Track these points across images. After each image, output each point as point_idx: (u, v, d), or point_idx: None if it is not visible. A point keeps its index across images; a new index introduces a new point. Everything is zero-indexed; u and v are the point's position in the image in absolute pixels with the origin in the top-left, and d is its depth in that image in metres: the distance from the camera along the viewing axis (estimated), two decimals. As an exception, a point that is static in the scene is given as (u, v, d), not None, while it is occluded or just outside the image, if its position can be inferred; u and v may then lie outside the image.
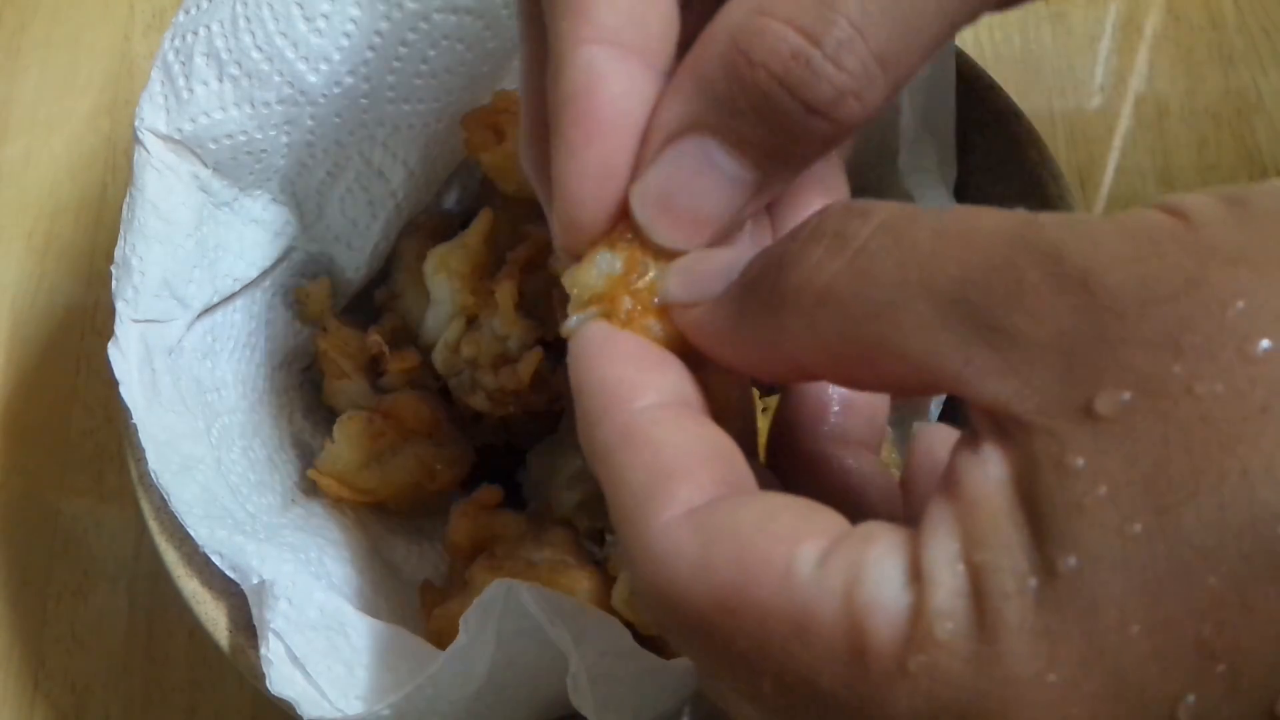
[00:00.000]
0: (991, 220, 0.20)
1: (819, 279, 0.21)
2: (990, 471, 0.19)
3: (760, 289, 0.23)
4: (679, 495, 0.22)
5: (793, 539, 0.20)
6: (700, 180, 0.25)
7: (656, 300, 0.25)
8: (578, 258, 0.26)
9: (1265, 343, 0.18)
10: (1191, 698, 0.18)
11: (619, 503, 0.22)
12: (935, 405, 0.43)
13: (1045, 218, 0.20)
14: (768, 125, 0.24)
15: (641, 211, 0.25)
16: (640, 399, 0.23)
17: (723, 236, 0.25)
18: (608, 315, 0.25)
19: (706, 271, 0.25)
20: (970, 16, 0.25)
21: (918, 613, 0.19)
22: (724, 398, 0.26)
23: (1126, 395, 0.18)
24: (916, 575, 0.19)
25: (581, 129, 0.25)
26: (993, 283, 0.19)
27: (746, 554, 0.20)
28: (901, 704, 0.19)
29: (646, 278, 0.25)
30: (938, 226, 0.20)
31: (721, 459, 0.23)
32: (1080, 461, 0.18)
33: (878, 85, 0.23)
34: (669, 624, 0.22)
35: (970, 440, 0.20)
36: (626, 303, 0.25)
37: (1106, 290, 0.18)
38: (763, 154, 0.24)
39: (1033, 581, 0.18)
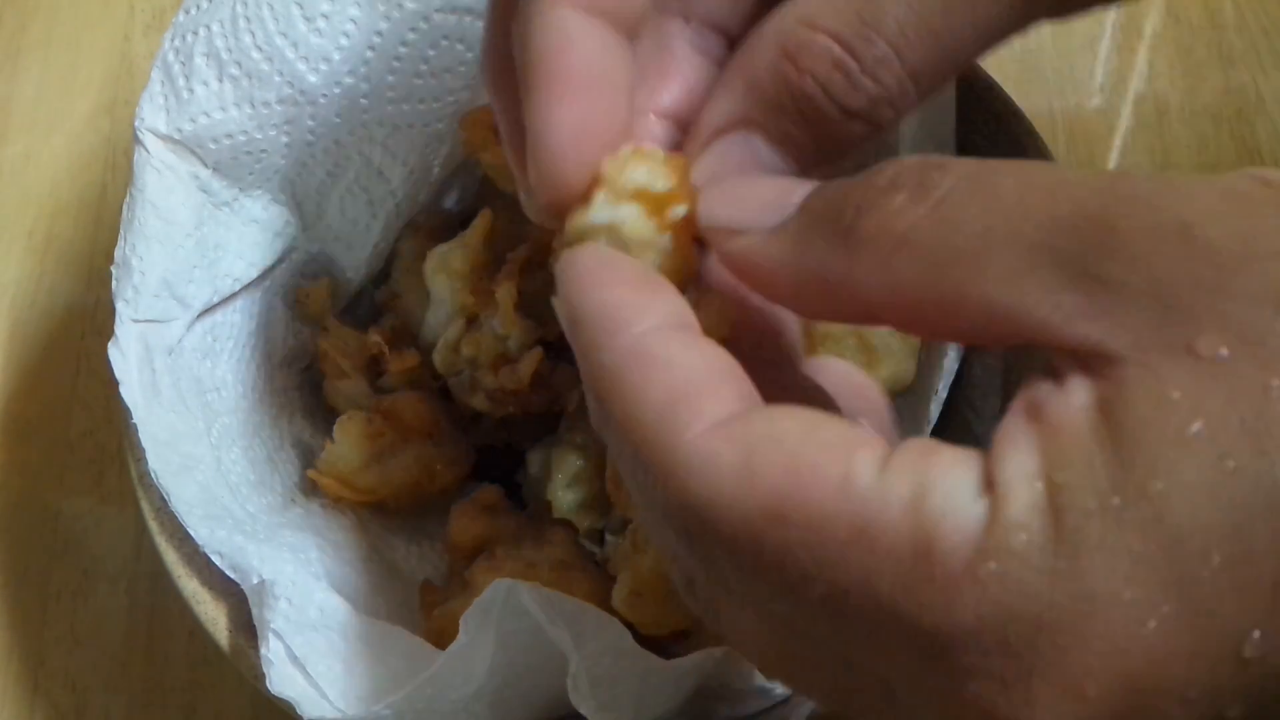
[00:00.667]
0: (1079, 174, 0.20)
1: (900, 223, 0.21)
2: (1076, 399, 0.19)
3: (829, 228, 0.22)
4: (705, 410, 0.21)
5: (847, 447, 0.20)
6: (744, 172, 0.25)
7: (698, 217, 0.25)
8: (554, 217, 0.26)
9: None
10: (1257, 633, 0.18)
11: (637, 422, 0.22)
12: (935, 406, 0.43)
13: (1136, 174, 0.20)
14: (809, 124, 0.25)
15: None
16: (643, 321, 0.23)
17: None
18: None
19: (754, 198, 0.24)
20: (1002, 37, 0.25)
21: (992, 521, 0.19)
22: (713, 330, 0.25)
23: (1228, 341, 0.18)
24: (990, 487, 0.19)
25: (556, 87, 0.25)
26: (1084, 230, 0.19)
27: (798, 461, 0.20)
28: (968, 611, 0.19)
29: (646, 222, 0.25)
30: (1022, 178, 0.21)
31: (735, 376, 0.23)
32: (1178, 394, 0.18)
33: (909, 95, 0.25)
34: (705, 537, 0.21)
35: (1052, 374, 0.20)
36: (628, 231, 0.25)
37: (1206, 242, 0.19)
38: (803, 150, 0.25)
39: (1116, 501, 0.18)
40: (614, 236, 0.25)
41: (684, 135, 0.28)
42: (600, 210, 0.25)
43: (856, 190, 0.22)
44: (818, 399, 0.27)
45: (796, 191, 0.24)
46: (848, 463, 0.20)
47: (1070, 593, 0.18)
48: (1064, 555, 0.18)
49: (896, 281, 0.21)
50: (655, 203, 0.25)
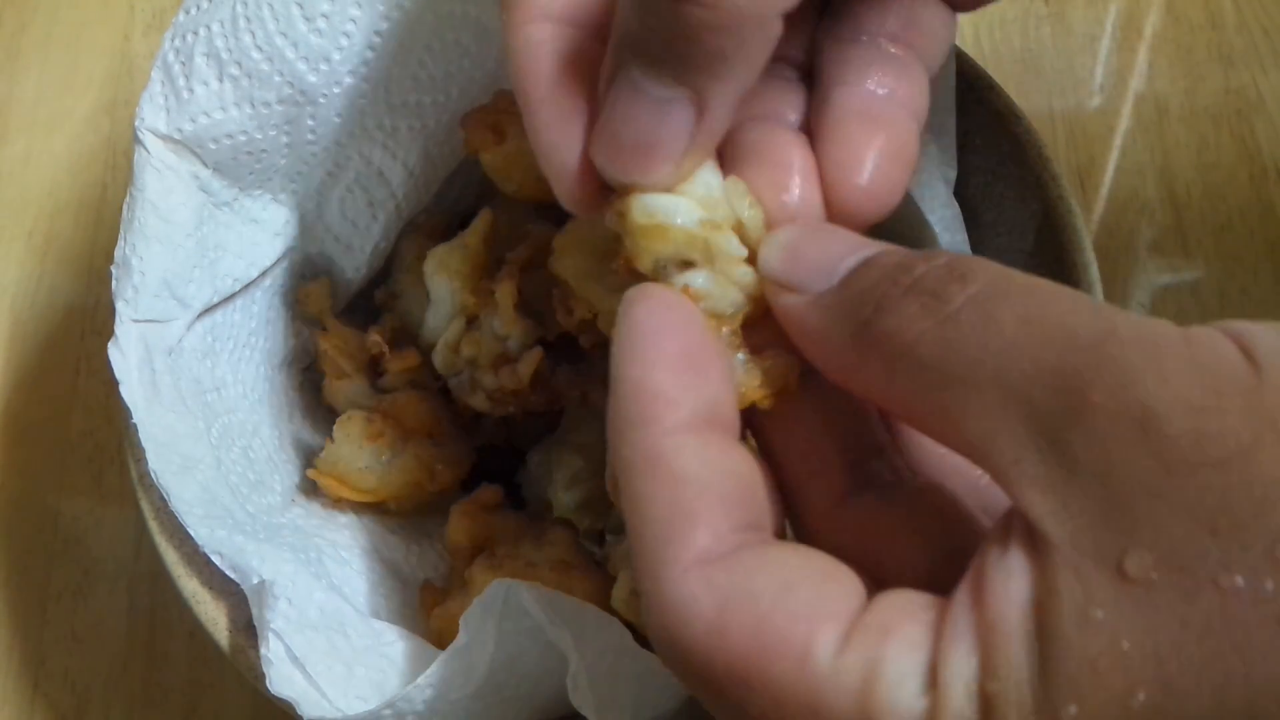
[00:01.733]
0: (1078, 319, 0.20)
1: (907, 333, 0.22)
2: (1014, 589, 0.20)
3: (855, 314, 0.23)
4: (696, 541, 0.22)
5: (811, 619, 0.21)
6: (635, 109, 0.25)
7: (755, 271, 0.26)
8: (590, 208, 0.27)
9: None
10: None
11: (638, 535, 0.23)
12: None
13: (1128, 330, 0.20)
14: (661, 32, 0.25)
15: (597, 157, 0.26)
16: (670, 417, 0.23)
17: (686, 162, 0.26)
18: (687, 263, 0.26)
19: (810, 257, 0.25)
20: None
21: None
22: (774, 377, 0.26)
23: (1156, 561, 0.19)
24: (933, 683, 0.20)
25: (540, 111, 0.26)
26: (1060, 391, 0.20)
27: (763, 627, 0.21)
28: None
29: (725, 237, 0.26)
30: (1025, 313, 0.21)
31: (742, 495, 0.23)
32: (1101, 614, 0.19)
33: None
34: (679, 670, 0.22)
35: (1002, 537, 0.21)
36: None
37: (1162, 439, 0.19)
38: (673, 66, 0.25)
39: None
40: (702, 251, 0.26)
41: None
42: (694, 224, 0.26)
43: (884, 283, 0.23)
44: (927, 497, 0.27)
45: (849, 257, 0.24)
46: (809, 637, 0.21)
47: None
48: None
49: (895, 385, 0.22)
50: (745, 234, 0.26)
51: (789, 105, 0.29)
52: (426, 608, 0.41)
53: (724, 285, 0.26)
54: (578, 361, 0.43)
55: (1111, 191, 0.57)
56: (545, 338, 0.43)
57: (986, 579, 0.20)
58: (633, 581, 0.37)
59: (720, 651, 0.21)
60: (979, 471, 0.27)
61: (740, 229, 0.26)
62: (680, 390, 0.24)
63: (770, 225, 0.27)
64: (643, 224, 0.26)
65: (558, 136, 0.27)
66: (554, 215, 0.44)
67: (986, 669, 0.20)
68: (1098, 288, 0.41)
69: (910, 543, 0.25)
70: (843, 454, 0.27)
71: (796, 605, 0.21)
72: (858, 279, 0.24)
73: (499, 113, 0.42)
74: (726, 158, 0.28)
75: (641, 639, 0.36)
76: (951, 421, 0.21)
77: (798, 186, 0.27)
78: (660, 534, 0.22)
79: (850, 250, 0.24)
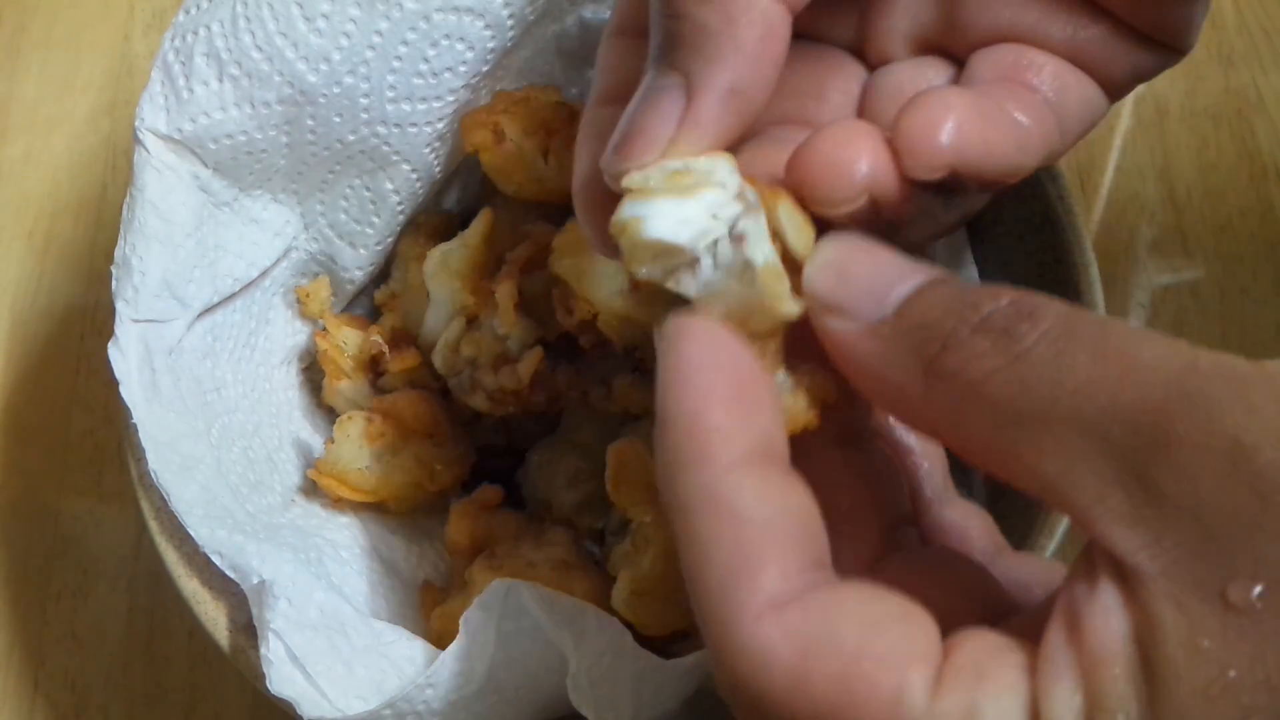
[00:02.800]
0: (1154, 354, 0.20)
1: (976, 371, 0.22)
2: (1113, 624, 0.20)
3: (916, 350, 0.23)
4: (766, 584, 0.22)
5: (900, 663, 0.21)
6: (634, 100, 0.26)
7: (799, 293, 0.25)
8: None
9: None
10: None
11: (699, 578, 0.22)
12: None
13: (1208, 364, 0.20)
14: (660, 16, 0.25)
15: (600, 155, 0.26)
16: (726, 453, 0.23)
17: (672, 151, 0.25)
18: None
19: (859, 281, 0.24)
20: None
21: None
22: (812, 398, 0.26)
23: (1259, 588, 0.19)
24: None
25: (585, 119, 0.29)
26: (1142, 427, 0.20)
27: (850, 673, 0.20)
28: None
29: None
30: (1099, 350, 0.21)
31: (804, 532, 0.23)
32: (1208, 643, 0.19)
33: None
34: (756, 712, 0.22)
35: (1087, 573, 0.20)
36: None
37: (1254, 470, 0.19)
38: (667, 51, 0.25)
39: None
40: (744, 271, 0.25)
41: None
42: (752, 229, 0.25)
43: (949, 319, 0.22)
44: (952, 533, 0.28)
45: (900, 285, 0.24)
46: (901, 680, 0.20)
47: None
48: None
49: (961, 425, 0.22)
50: (790, 258, 0.25)
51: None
52: (426, 608, 0.41)
53: (742, 291, 0.25)
54: (577, 361, 0.43)
55: (1111, 191, 0.57)
56: (545, 338, 0.43)
57: (1081, 616, 0.20)
58: (632, 581, 0.37)
59: (805, 700, 0.21)
60: (985, 542, 0.28)
61: (780, 239, 0.25)
62: (734, 426, 0.23)
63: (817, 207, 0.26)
64: (624, 228, 0.25)
65: (583, 145, 0.27)
66: (554, 215, 0.44)
67: (1093, 704, 0.19)
68: (1098, 288, 0.41)
69: (939, 604, 0.25)
70: (880, 517, 0.27)
71: (883, 649, 0.21)
72: (918, 311, 0.23)
73: (499, 113, 0.42)
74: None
75: (641, 639, 0.36)
76: (1024, 460, 0.21)
77: (866, 148, 0.26)
78: (726, 578, 0.22)
79: (900, 275, 0.24)
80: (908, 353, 0.23)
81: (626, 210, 0.25)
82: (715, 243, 0.25)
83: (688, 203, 0.25)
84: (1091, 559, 0.21)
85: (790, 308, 0.25)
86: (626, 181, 0.25)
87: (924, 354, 0.22)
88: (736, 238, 0.25)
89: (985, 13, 0.30)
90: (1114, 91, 0.30)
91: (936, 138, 0.26)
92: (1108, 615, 0.20)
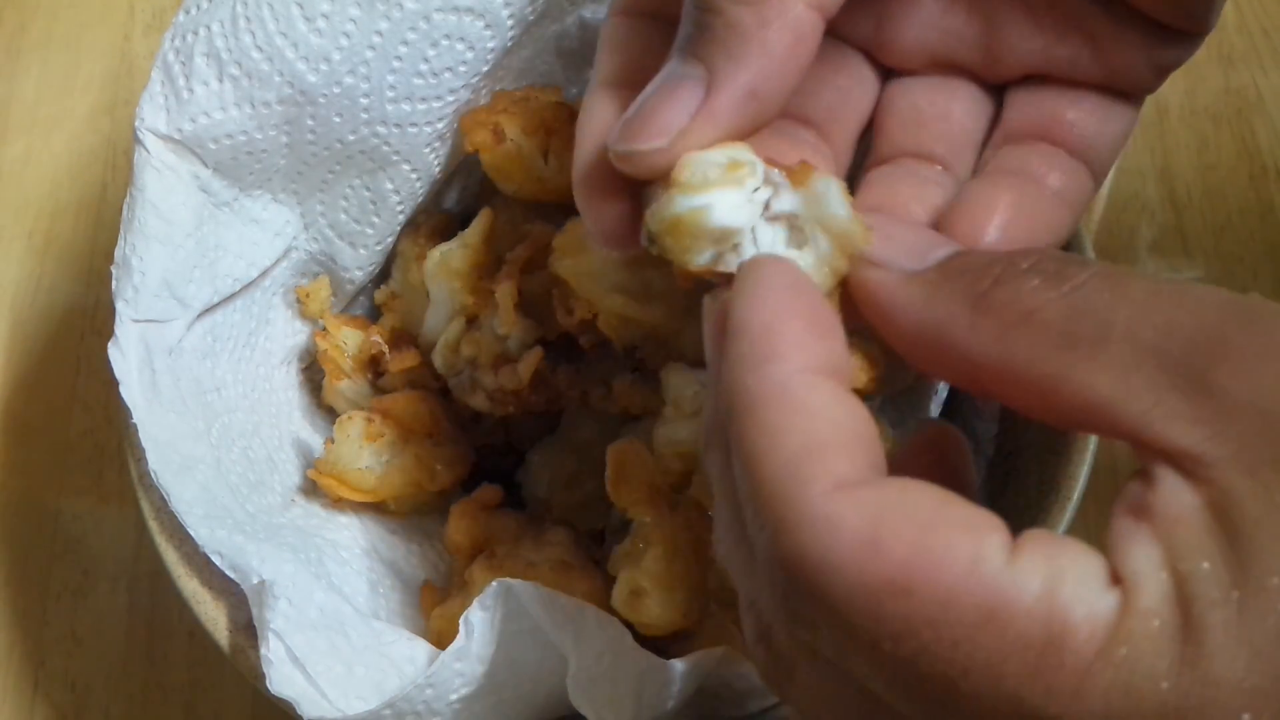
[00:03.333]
0: (1204, 288, 0.22)
1: (1030, 301, 0.22)
2: (1185, 499, 0.20)
3: (965, 288, 0.23)
4: (835, 468, 0.22)
5: (978, 529, 0.21)
6: (655, 84, 0.26)
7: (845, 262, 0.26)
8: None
9: None
10: None
11: (762, 459, 0.22)
12: (935, 405, 0.43)
13: (1255, 298, 0.21)
14: (693, 7, 0.26)
15: (610, 132, 0.27)
16: (800, 358, 0.23)
17: (683, 141, 0.26)
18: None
19: (902, 239, 0.26)
20: None
21: (1124, 610, 0.20)
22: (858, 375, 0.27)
23: None
24: (1118, 578, 0.20)
25: (592, 95, 0.29)
26: (1198, 339, 0.21)
27: (928, 537, 0.21)
28: (1096, 696, 0.19)
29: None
30: (1152, 284, 0.22)
31: (872, 442, 0.23)
32: None
33: None
34: (811, 597, 0.21)
35: (1146, 479, 0.21)
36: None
37: None
38: (695, 41, 0.26)
39: (1235, 594, 0.19)
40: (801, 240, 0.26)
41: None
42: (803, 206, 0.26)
43: (999, 263, 0.23)
44: None
45: (941, 246, 0.25)
46: (979, 545, 0.21)
47: (1197, 678, 0.19)
48: (1191, 641, 0.19)
49: (1011, 353, 0.22)
50: (843, 239, 0.26)
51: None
52: (426, 608, 0.41)
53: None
54: (577, 361, 0.43)
55: (1111, 191, 0.57)
56: (545, 338, 0.43)
57: (1148, 500, 0.21)
58: (632, 581, 0.37)
59: (876, 562, 0.20)
60: None
61: (830, 229, 0.26)
62: (809, 339, 0.23)
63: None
64: (678, 222, 0.26)
65: (585, 127, 0.27)
66: (554, 215, 0.44)
67: (1175, 553, 0.20)
68: (1098, 288, 0.41)
69: None
70: None
71: (958, 517, 0.21)
72: (964, 261, 0.24)
73: (499, 113, 0.42)
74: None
75: (641, 639, 0.36)
76: (1075, 381, 0.22)
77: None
78: (793, 459, 0.22)
79: (937, 239, 0.25)
80: (954, 293, 0.24)
81: (681, 204, 0.26)
82: (754, 226, 0.26)
83: (734, 191, 0.26)
84: (1148, 473, 0.21)
85: (859, 253, 0.26)
86: (687, 178, 0.26)
87: (973, 291, 0.23)
88: (775, 218, 0.26)
89: (1020, 41, 0.30)
90: (1143, 95, 0.31)
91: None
92: (1176, 493, 0.20)
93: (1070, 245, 0.41)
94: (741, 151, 0.26)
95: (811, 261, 0.26)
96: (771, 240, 0.26)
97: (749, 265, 0.25)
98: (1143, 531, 0.21)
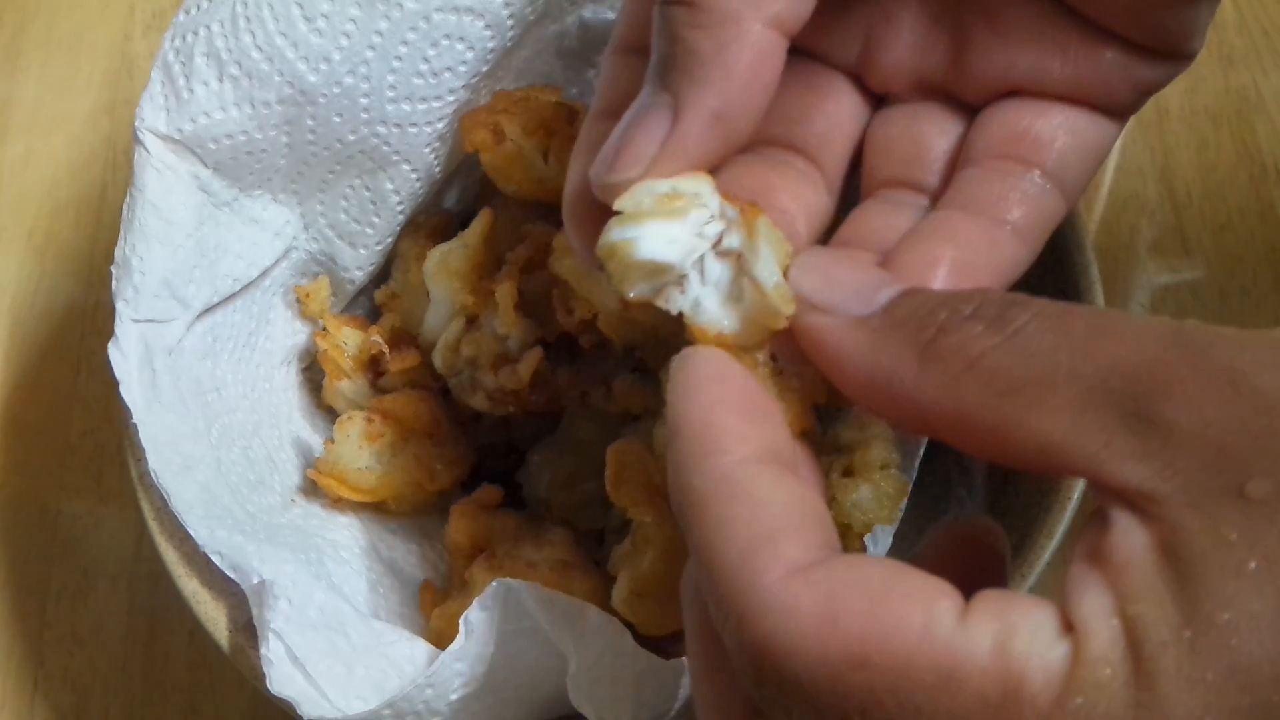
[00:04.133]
0: (1143, 320, 0.22)
1: (974, 348, 0.23)
2: (1135, 539, 0.21)
3: (910, 337, 0.24)
4: (787, 554, 0.22)
5: (927, 597, 0.21)
6: (627, 116, 0.27)
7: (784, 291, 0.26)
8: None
9: None
10: None
11: (717, 554, 0.23)
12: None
13: (1193, 326, 0.22)
14: (658, 39, 0.26)
15: (592, 172, 0.27)
16: (739, 449, 0.24)
17: (655, 169, 0.26)
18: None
19: (845, 280, 0.25)
20: None
21: (1076, 659, 0.20)
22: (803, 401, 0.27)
23: (1276, 483, 0.20)
24: (1068, 628, 0.20)
25: (583, 133, 0.29)
26: (1141, 373, 0.21)
27: (880, 609, 0.21)
28: None
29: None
30: (1092, 321, 0.22)
31: (820, 521, 0.23)
32: (1234, 535, 0.20)
33: None
34: (779, 680, 0.22)
35: (1099, 523, 0.21)
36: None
37: (1254, 389, 0.20)
38: (660, 71, 0.26)
39: (1187, 633, 0.19)
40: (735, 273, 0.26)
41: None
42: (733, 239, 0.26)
43: (942, 309, 0.24)
44: None
45: (885, 288, 0.25)
46: (930, 610, 0.21)
47: None
48: (1144, 686, 0.19)
49: (959, 401, 0.23)
50: (762, 306, 0.26)
51: None
52: (426, 608, 0.41)
53: (729, 308, 0.26)
54: (578, 361, 0.43)
55: (1111, 191, 0.57)
56: (545, 338, 0.43)
57: (1099, 545, 0.21)
58: (632, 581, 0.37)
59: (834, 639, 0.21)
60: None
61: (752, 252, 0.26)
62: (746, 428, 0.24)
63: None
64: (613, 251, 0.26)
65: (576, 159, 0.28)
66: (554, 215, 0.44)
67: (1124, 598, 0.20)
68: (1098, 288, 0.41)
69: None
70: None
71: (908, 587, 0.21)
72: (907, 307, 0.24)
73: (499, 113, 0.42)
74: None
75: (641, 639, 0.36)
76: (1026, 426, 0.22)
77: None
78: (746, 549, 0.22)
79: (882, 280, 0.25)
80: (900, 341, 0.24)
81: (615, 234, 0.26)
82: (701, 259, 0.26)
83: (675, 224, 0.26)
84: (1102, 514, 0.21)
85: (783, 320, 0.26)
86: (618, 205, 0.26)
87: (918, 340, 0.23)
88: (724, 254, 0.26)
89: (993, 58, 0.30)
90: (1123, 114, 0.31)
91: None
92: (1127, 534, 0.21)
93: (1070, 245, 0.41)
94: (688, 183, 0.26)
95: (739, 315, 0.26)
96: (718, 277, 0.26)
97: (678, 360, 0.25)
98: (1094, 578, 0.21)
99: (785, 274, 0.26)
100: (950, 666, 0.20)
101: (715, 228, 0.26)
